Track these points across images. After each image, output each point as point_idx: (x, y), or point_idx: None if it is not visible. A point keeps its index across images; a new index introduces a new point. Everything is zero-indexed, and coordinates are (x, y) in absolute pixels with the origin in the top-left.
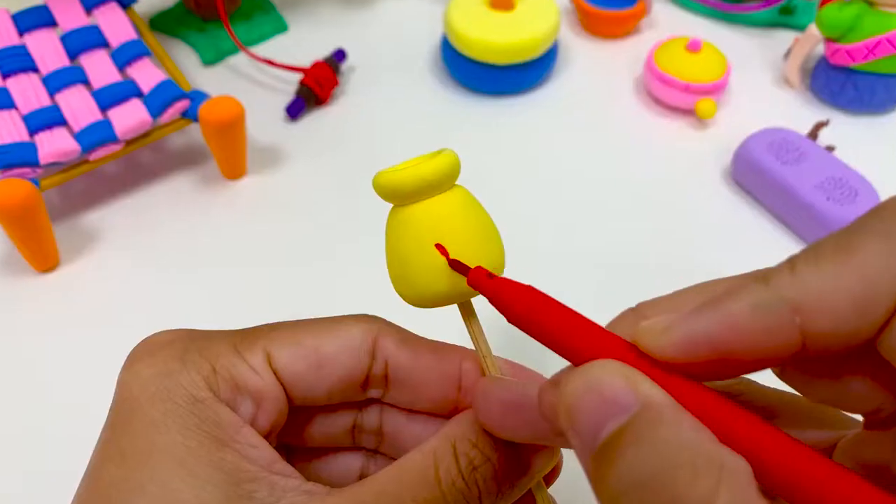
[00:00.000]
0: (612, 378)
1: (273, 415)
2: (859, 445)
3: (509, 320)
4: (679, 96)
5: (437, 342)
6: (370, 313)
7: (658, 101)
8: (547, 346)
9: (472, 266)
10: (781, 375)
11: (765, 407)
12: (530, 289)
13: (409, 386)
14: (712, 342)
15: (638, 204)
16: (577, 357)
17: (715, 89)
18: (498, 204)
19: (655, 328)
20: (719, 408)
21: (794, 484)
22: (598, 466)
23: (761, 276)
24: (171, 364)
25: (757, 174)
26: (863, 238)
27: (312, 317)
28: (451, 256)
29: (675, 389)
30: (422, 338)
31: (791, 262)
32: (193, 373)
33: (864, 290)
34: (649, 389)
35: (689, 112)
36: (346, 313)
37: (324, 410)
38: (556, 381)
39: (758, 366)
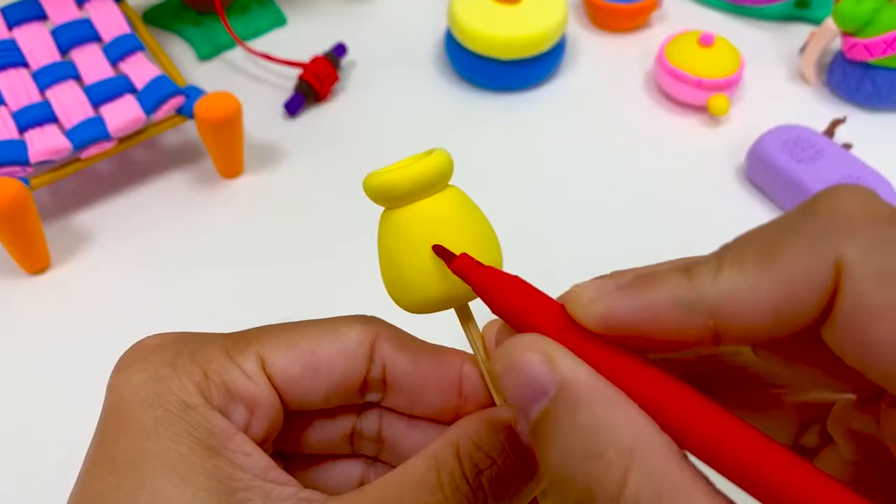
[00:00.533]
0: (529, 355)
1: (267, 421)
2: (848, 413)
3: (494, 310)
4: (691, 92)
5: (436, 346)
6: (368, 315)
7: (669, 98)
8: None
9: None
10: (756, 353)
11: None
12: (516, 279)
13: (408, 390)
14: (630, 324)
15: (648, 204)
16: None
17: (728, 85)
18: (501, 204)
19: (582, 297)
20: (647, 377)
21: (722, 455)
22: (534, 445)
23: (685, 268)
24: (162, 369)
25: (771, 173)
26: (790, 242)
27: (310, 318)
28: (448, 253)
29: (602, 358)
30: (421, 341)
31: (718, 260)
32: (185, 378)
33: (784, 300)
34: (568, 367)
35: (701, 109)
36: (343, 313)
37: (321, 416)
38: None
39: (670, 349)
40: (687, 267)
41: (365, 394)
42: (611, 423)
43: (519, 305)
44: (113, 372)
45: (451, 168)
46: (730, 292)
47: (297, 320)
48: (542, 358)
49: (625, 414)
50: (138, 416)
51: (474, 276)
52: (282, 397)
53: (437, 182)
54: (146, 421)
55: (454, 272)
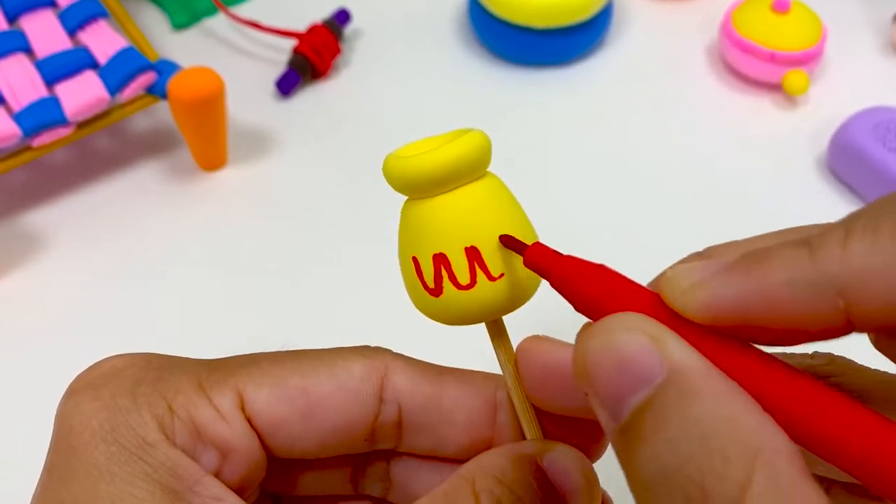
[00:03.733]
0: (633, 337)
1: (243, 469)
2: None
3: (577, 307)
4: (763, 67)
5: (462, 370)
6: (374, 340)
7: (737, 74)
8: None
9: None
10: (877, 344)
11: (860, 391)
12: (602, 267)
13: (431, 431)
14: (742, 310)
15: (710, 200)
16: None
17: (807, 59)
18: (537, 199)
19: (681, 283)
20: (762, 367)
21: (856, 457)
22: (623, 447)
23: (804, 241)
24: (120, 398)
25: (858, 163)
26: None
27: (307, 342)
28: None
29: (711, 348)
30: (442, 367)
31: (846, 228)
32: (144, 411)
33: None
34: (679, 351)
35: (775, 87)
36: (349, 334)
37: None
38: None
39: (791, 340)
40: (806, 239)
41: (374, 443)
42: (732, 416)
43: (608, 297)
44: (63, 398)
45: (490, 152)
46: (863, 265)
47: (288, 350)
48: (648, 340)
49: (747, 409)
50: (90, 452)
51: (554, 266)
52: (264, 443)
53: (474, 168)
54: (98, 458)
55: (527, 265)
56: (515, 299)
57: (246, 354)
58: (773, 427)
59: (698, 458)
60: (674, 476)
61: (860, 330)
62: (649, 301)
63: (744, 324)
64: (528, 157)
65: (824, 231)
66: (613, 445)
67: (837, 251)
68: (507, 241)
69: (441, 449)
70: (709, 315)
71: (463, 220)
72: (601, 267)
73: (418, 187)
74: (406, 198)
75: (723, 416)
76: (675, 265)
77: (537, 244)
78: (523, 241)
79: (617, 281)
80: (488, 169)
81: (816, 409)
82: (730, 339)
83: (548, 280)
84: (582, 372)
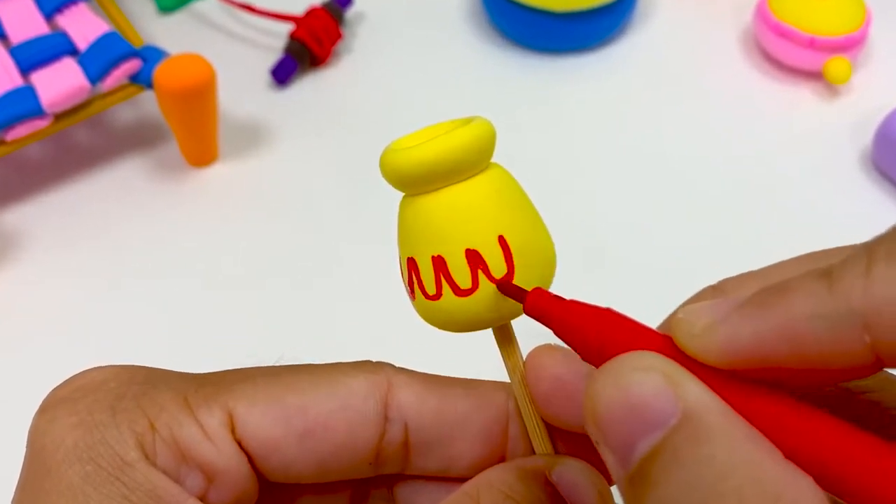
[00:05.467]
0: (646, 377)
1: (231, 494)
2: None
3: (584, 356)
4: (802, 54)
5: (469, 380)
6: (377, 347)
7: (774, 61)
8: None
9: (524, 285)
10: None
11: None
12: (608, 312)
13: (441, 449)
14: (760, 352)
15: (744, 198)
16: None
17: (850, 44)
18: (554, 197)
19: (693, 325)
20: (785, 411)
21: None
22: (632, 496)
23: (824, 273)
24: (98, 414)
25: None
26: None
27: (305, 349)
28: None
29: (729, 392)
30: (448, 378)
31: (868, 254)
32: (124, 428)
33: None
34: (694, 392)
35: (815, 75)
36: (350, 340)
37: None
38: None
39: (814, 381)
40: (826, 270)
41: (380, 466)
42: (750, 460)
43: (616, 344)
44: (37, 412)
45: (494, 141)
46: (889, 296)
47: (284, 364)
48: (662, 380)
49: (767, 454)
50: (64, 471)
51: (556, 314)
52: (257, 466)
53: (479, 159)
54: (73, 478)
55: (528, 313)
56: (519, 306)
57: (238, 369)
58: (795, 473)
59: (712, 501)
60: None
61: (890, 366)
62: (661, 346)
63: (763, 366)
64: (545, 151)
65: (846, 259)
66: (622, 495)
67: (860, 281)
68: (505, 288)
69: (453, 468)
70: (725, 359)
71: (463, 218)
72: (607, 311)
73: (414, 181)
74: (403, 195)
75: (740, 460)
76: (685, 305)
77: (537, 290)
78: (518, 240)
79: (625, 326)
80: (494, 161)
81: (846, 455)
82: (748, 382)
83: (550, 329)
84: (590, 415)
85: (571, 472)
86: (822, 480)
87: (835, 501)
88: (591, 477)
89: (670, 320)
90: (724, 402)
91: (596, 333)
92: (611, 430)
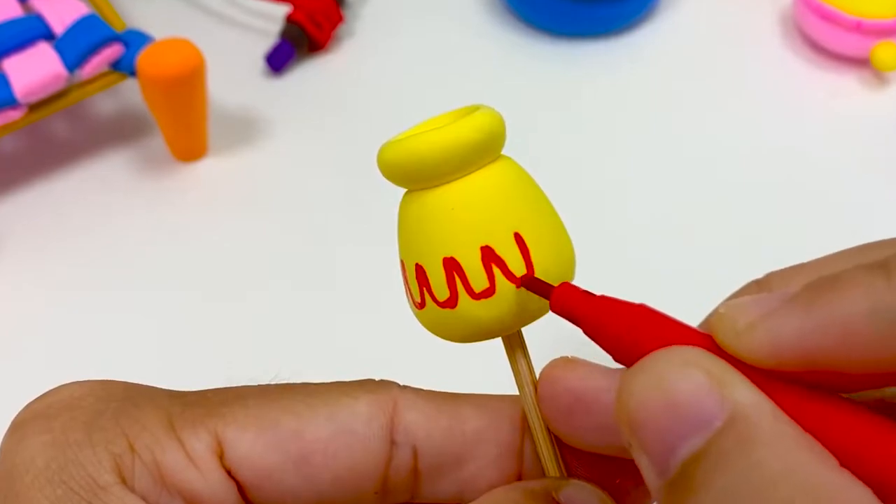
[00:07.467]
0: (688, 374)
1: None
2: None
3: (616, 357)
4: (847, 39)
5: (479, 395)
6: (378, 357)
7: (816, 47)
8: None
9: (550, 280)
10: None
11: None
12: (643, 308)
13: (453, 473)
14: (809, 351)
15: (784, 194)
16: None
17: None
18: (574, 191)
19: (736, 322)
20: (840, 415)
21: None
22: (671, 501)
23: (881, 265)
24: (73, 433)
25: None
26: None
27: (302, 360)
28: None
29: (777, 395)
30: (456, 394)
31: None
32: (100, 448)
33: None
34: (742, 392)
35: (861, 62)
36: (349, 349)
37: None
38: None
39: (872, 385)
40: (882, 263)
41: (386, 495)
42: (802, 466)
43: (652, 344)
44: (8, 430)
45: (503, 131)
46: None
47: (280, 383)
48: (706, 378)
49: (821, 460)
50: (32, 496)
51: (586, 311)
52: (247, 497)
53: (486, 151)
54: (41, 502)
55: (554, 310)
56: (543, 305)
57: (228, 388)
58: (851, 481)
59: None
60: None
61: None
62: (700, 345)
63: (811, 368)
64: (564, 143)
65: None
66: (657, 496)
67: None
68: (530, 283)
69: (467, 493)
70: (771, 359)
71: (476, 213)
72: (641, 308)
73: (415, 176)
74: (404, 191)
75: (792, 467)
76: (728, 301)
77: (565, 285)
78: (533, 238)
79: (661, 322)
80: (506, 154)
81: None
82: (797, 384)
83: (579, 327)
84: (624, 416)
85: (580, 492)
86: (881, 491)
87: None
88: (601, 500)
89: (711, 317)
90: (774, 404)
91: (629, 330)
92: (648, 432)
